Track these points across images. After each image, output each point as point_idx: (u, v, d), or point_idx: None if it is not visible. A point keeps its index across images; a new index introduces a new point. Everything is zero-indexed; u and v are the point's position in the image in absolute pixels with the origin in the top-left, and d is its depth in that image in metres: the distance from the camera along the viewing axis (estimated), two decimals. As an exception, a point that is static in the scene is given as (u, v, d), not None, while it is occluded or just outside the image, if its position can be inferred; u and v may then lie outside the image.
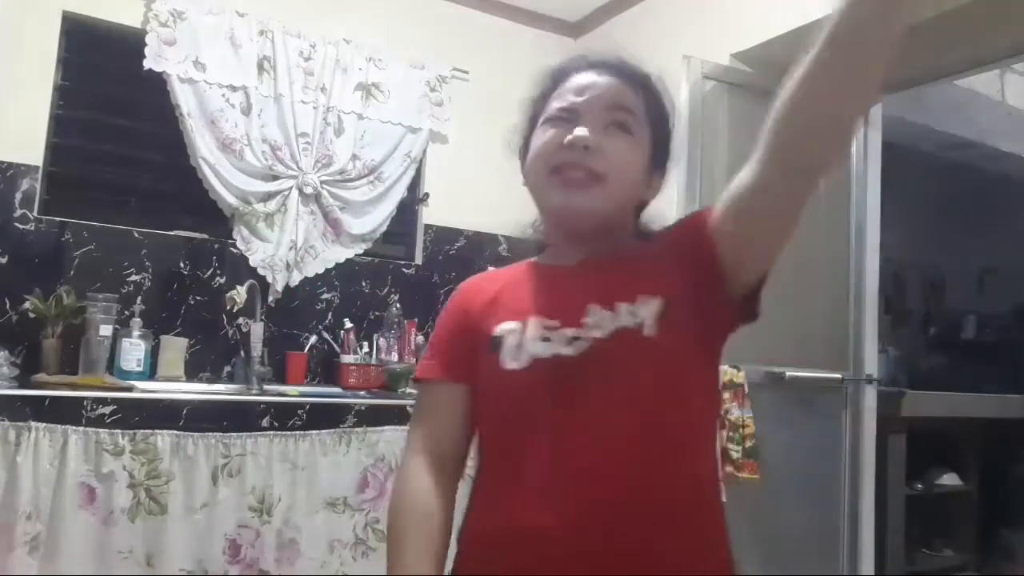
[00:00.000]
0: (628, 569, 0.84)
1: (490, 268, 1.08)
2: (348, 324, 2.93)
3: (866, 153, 2.86)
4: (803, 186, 0.82)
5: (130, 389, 2.22)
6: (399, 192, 3.10)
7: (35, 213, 2.54)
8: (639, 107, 0.99)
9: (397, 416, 2.40)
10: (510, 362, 0.92)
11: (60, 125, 2.62)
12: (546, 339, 0.91)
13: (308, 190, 2.86)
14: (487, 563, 0.92)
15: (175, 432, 2.06)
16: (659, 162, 1.02)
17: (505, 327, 0.95)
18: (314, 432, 2.25)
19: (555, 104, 1.00)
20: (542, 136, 0.98)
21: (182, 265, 2.74)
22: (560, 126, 0.97)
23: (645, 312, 0.89)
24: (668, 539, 0.86)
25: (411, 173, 3.13)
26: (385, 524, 0.99)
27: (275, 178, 2.82)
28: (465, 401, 1.00)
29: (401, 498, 1.01)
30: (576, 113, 0.97)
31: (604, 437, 0.87)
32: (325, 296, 2.97)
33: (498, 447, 0.95)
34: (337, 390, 2.74)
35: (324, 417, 2.29)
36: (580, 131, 0.94)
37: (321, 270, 2.94)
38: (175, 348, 2.64)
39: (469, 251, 3.28)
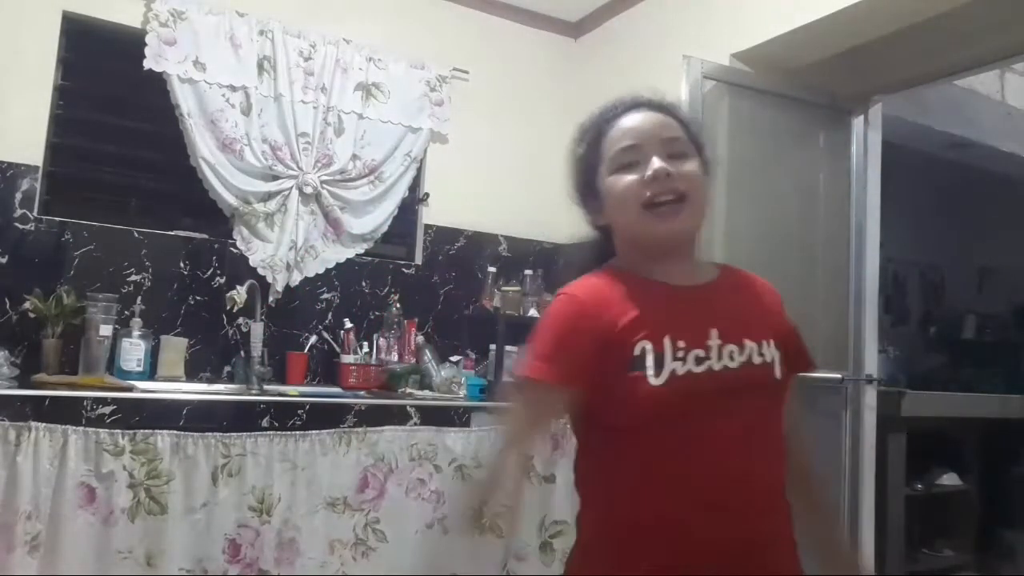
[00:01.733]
0: (756, 556, 1.02)
1: (582, 276, 1.16)
2: (348, 324, 2.93)
3: (866, 153, 2.86)
4: None
5: (130, 389, 2.22)
6: (399, 192, 3.10)
7: (35, 213, 2.54)
8: (684, 133, 1.14)
9: (397, 416, 2.41)
10: (653, 378, 1.02)
11: (60, 125, 2.62)
12: (680, 359, 1.03)
13: (308, 190, 2.86)
14: (638, 551, 1.04)
15: (175, 432, 2.06)
16: (705, 175, 1.16)
17: (644, 345, 1.04)
18: (314, 432, 2.25)
19: (615, 148, 1.12)
20: (621, 182, 1.11)
21: (182, 265, 2.74)
22: (632, 168, 1.10)
23: (771, 354, 1.09)
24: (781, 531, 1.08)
25: (411, 173, 3.13)
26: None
27: (275, 178, 2.83)
28: (562, 402, 1.12)
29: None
30: (640, 151, 1.10)
31: (735, 448, 1.04)
32: (325, 296, 2.97)
33: (638, 450, 1.06)
34: (337, 390, 2.74)
35: (324, 417, 2.29)
36: (656, 163, 1.08)
37: (321, 270, 2.94)
38: (175, 348, 2.64)
39: (469, 251, 3.28)
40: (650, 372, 1.02)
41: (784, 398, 1.12)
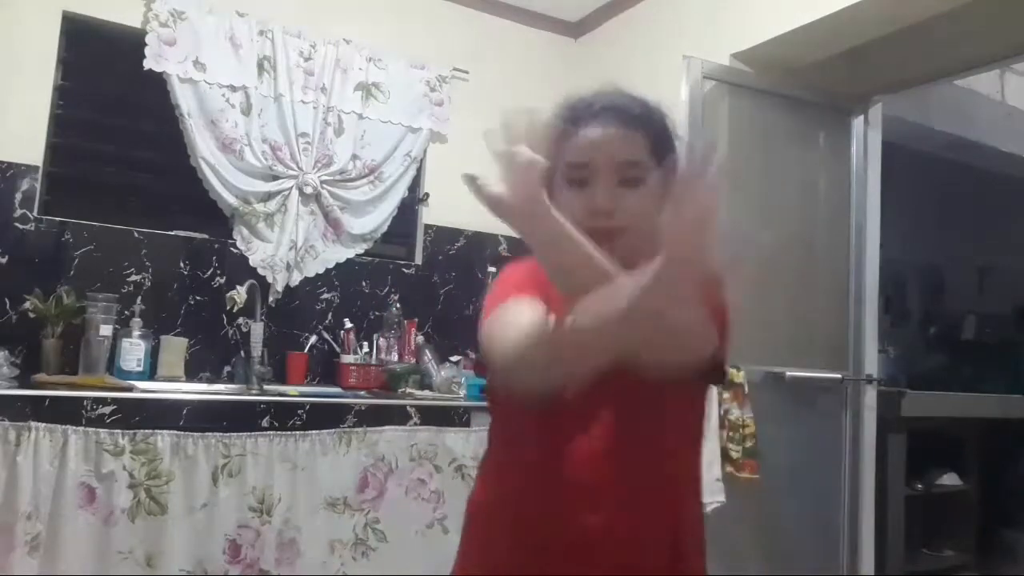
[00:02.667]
0: (616, 552, 1.00)
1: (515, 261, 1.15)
2: (348, 324, 2.93)
3: (866, 153, 2.86)
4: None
5: (130, 389, 2.22)
6: (399, 192, 3.10)
7: (35, 213, 2.54)
8: (645, 150, 1.06)
9: (397, 416, 2.41)
10: None
11: (60, 125, 2.62)
12: None
13: (308, 190, 2.86)
14: (498, 534, 1.05)
15: (175, 432, 2.06)
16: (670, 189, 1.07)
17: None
18: (314, 432, 2.25)
19: (568, 158, 1.07)
20: (565, 198, 1.06)
21: (182, 265, 2.74)
22: (578, 188, 1.06)
23: None
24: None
25: (411, 173, 3.13)
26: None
27: (275, 178, 2.83)
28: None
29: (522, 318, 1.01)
30: (589, 169, 1.05)
31: (599, 433, 1.01)
32: (325, 296, 2.97)
33: (515, 432, 1.08)
34: (337, 390, 2.74)
35: (324, 417, 2.29)
36: (599, 197, 1.04)
37: (321, 270, 2.94)
38: (175, 348, 2.63)
39: (469, 251, 3.28)
40: None
41: (691, 393, 1.06)
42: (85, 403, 2.00)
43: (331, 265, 2.96)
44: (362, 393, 2.66)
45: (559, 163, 1.08)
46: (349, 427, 2.31)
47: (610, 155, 1.05)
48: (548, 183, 1.08)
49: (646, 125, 1.08)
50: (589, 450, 1.01)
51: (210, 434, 2.10)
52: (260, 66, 2.82)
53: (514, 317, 1.00)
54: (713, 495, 2.28)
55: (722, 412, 2.42)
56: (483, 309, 1.09)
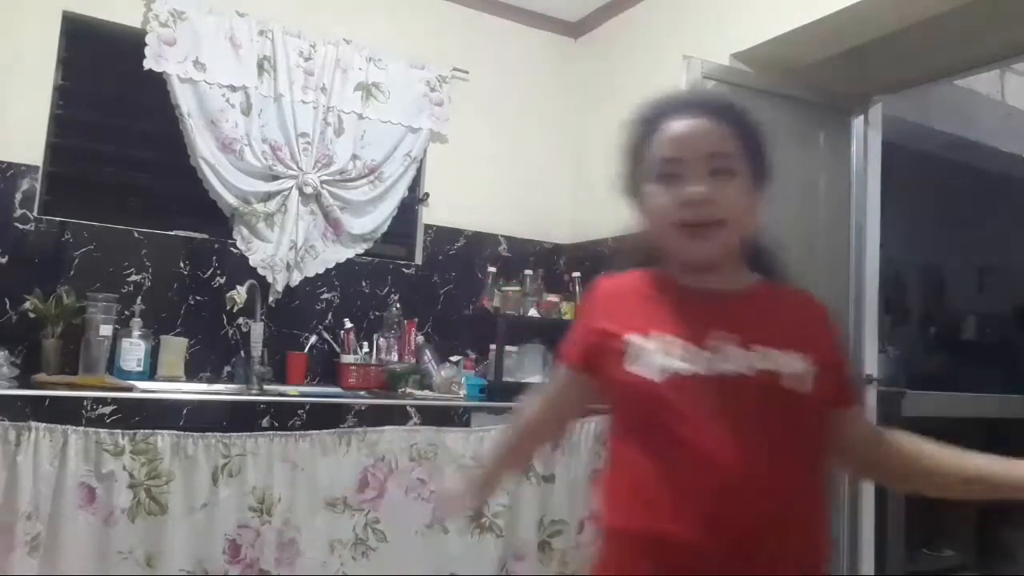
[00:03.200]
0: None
1: (619, 271, 1.18)
2: (348, 324, 2.93)
3: (866, 153, 2.86)
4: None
5: (130, 389, 2.22)
6: (399, 192, 3.10)
7: (35, 213, 2.54)
8: (735, 144, 1.07)
9: (397, 416, 2.41)
10: (647, 372, 1.01)
11: (60, 125, 2.62)
12: (681, 357, 1.01)
13: (308, 190, 2.86)
14: (630, 561, 1.02)
15: (175, 432, 2.05)
16: (759, 187, 1.10)
17: (642, 341, 1.03)
18: (314, 432, 2.25)
19: (658, 155, 1.07)
20: (658, 195, 1.07)
21: (182, 265, 2.74)
22: (671, 183, 1.06)
23: (793, 366, 1.01)
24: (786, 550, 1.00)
25: (411, 173, 3.13)
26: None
27: (275, 178, 2.83)
28: (584, 388, 1.14)
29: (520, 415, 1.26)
30: (681, 164, 1.05)
31: (730, 455, 0.97)
32: (325, 296, 2.97)
33: (630, 450, 1.04)
34: (337, 390, 2.74)
35: (324, 417, 2.29)
36: (693, 190, 1.03)
37: (321, 270, 2.94)
38: (175, 348, 2.63)
39: (469, 251, 3.28)
40: (647, 368, 1.01)
41: (813, 418, 1.03)
42: (85, 403, 2.00)
43: (331, 265, 2.96)
44: (362, 393, 2.66)
45: (648, 163, 1.09)
46: (349, 427, 2.31)
47: (700, 147, 1.05)
48: (637, 185, 1.13)
49: (732, 118, 1.09)
50: (732, 476, 0.97)
51: (210, 434, 2.10)
52: (260, 66, 2.81)
53: (538, 394, 1.24)
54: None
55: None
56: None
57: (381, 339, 2.97)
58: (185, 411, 2.11)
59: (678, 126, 1.07)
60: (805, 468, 1.03)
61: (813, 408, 1.02)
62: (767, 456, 0.98)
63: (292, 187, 2.84)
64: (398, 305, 3.04)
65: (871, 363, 2.81)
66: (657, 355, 1.01)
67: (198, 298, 2.75)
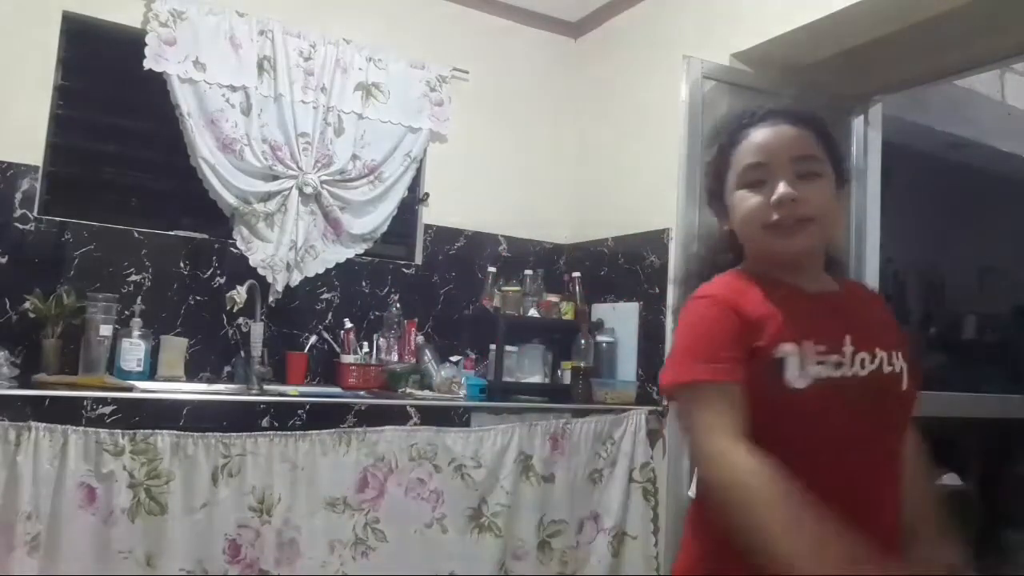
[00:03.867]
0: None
1: (716, 277, 1.17)
2: (348, 324, 2.93)
3: (866, 153, 2.86)
4: None
5: (130, 389, 2.22)
6: (399, 192, 3.10)
7: (35, 213, 2.54)
8: (818, 148, 1.12)
9: (397, 416, 2.41)
10: (795, 381, 1.01)
11: (60, 125, 2.62)
12: (820, 363, 1.03)
13: (308, 190, 2.86)
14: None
15: (175, 432, 2.05)
16: (841, 190, 1.16)
17: (786, 348, 1.03)
18: (314, 432, 2.25)
19: (744, 162, 1.12)
20: (747, 201, 1.11)
21: (182, 265, 2.74)
22: (759, 187, 1.10)
23: (899, 365, 1.09)
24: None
25: (411, 173, 3.13)
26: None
27: (275, 178, 2.83)
28: (744, 400, 1.03)
29: (747, 488, 0.96)
30: (767, 169, 1.10)
31: (865, 457, 1.04)
32: (325, 296, 2.97)
33: (784, 459, 0.97)
34: (337, 390, 2.74)
35: (324, 417, 2.29)
36: (783, 189, 1.07)
37: (321, 270, 2.94)
38: (175, 348, 2.63)
39: (469, 251, 3.28)
40: (793, 376, 1.01)
41: (911, 412, 1.12)
42: (85, 403, 2.00)
43: (331, 265, 2.96)
44: (362, 393, 2.66)
45: (734, 171, 1.13)
46: (349, 427, 2.31)
47: (786, 151, 1.09)
48: (724, 194, 1.17)
49: (813, 124, 1.14)
50: (858, 470, 1.03)
51: (210, 434, 2.10)
52: (260, 66, 2.81)
53: (739, 468, 0.96)
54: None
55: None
56: (672, 350, 1.09)
57: (381, 339, 2.97)
58: (185, 411, 2.11)
59: (763, 133, 1.12)
60: (900, 457, 1.10)
61: (913, 403, 1.11)
62: (887, 455, 1.07)
63: (292, 187, 2.84)
64: (398, 305, 3.04)
65: (871, 363, 2.81)
66: (809, 363, 1.02)
67: (198, 298, 2.75)
